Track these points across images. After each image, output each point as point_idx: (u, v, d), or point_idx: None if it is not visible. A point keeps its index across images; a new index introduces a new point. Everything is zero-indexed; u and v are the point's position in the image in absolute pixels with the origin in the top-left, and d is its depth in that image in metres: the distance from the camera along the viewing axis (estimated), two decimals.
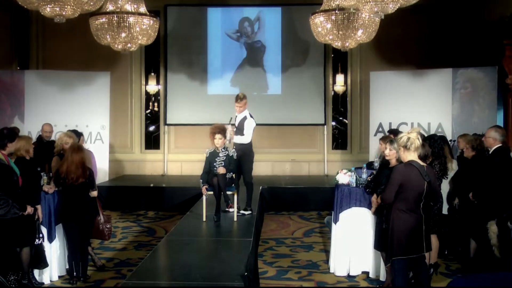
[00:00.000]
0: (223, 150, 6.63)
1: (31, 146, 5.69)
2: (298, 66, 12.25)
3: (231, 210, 6.85)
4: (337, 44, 7.60)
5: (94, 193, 5.88)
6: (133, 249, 7.25)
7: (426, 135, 6.75)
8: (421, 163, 4.70)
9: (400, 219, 4.65)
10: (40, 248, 5.54)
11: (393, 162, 5.37)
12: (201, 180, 6.64)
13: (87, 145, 9.93)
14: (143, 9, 7.68)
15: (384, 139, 6.19)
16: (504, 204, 5.46)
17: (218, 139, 6.59)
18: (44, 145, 7.64)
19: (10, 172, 5.13)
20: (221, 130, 6.68)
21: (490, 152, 6.01)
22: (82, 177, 5.63)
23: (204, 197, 6.71)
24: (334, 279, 5.92)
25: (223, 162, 6.57)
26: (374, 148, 9.93)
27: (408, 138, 4.63)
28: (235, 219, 6.73)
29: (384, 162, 5.75)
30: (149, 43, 8.09)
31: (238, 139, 7.10)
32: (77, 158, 5.63)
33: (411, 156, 4.66)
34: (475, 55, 10.85)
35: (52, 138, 8.13)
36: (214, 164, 6.57)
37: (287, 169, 12.21)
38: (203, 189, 6.56)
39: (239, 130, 7.10)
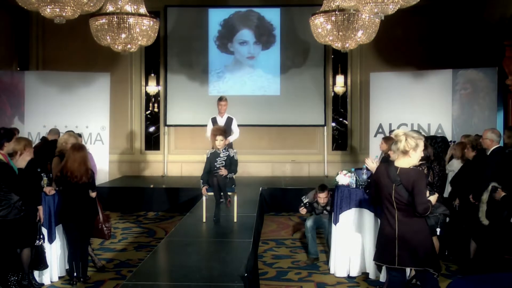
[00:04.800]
0: (224, 151, 6.64)
1: (31, 146, 5.68)
2: (298, 67, 12.24)
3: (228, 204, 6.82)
4: (337, 45, 7.60)
5: (94, 194, 5.87)
6: (133, 250, 7.24)
7: (426, 136, 6.75)
8: (399, 165, 4.04)
9: (380, 221, 4.36)
10: (40, 249, 5.52)
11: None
12: (201, 181, 6.65)
13: (86, 147, 9.94)
14: (143, 10, 7.68)
15: (387, 140, 6.20)
16: (503, 205, 5.46)
17: (220, 141, 6.60)
18: (47, 144, 7.60)
19: (10, 171, 5.13)
20: (222, 131, 6.69)
21: (488, 153, 6.01)
22: (85, 175, 5.62)
23: (204, 198, 6.72)
24: (334, 280, 5.91)
25: (223, 162, 6.58)
26: (374, 149, 9.92)
27: (417, 145, 4.01)
28: (235, 220, 6.73)
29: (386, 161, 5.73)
30: (149, 44, 8.09)
31: (233, 138, 8.29)
32: (79, 156, 5.63)
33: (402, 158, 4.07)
34: (475, 56, 10.86)
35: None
36: (215, 164, 6.58)
37: (287, 170, 12.21)
38: (203, 189, 6.57)
39: (228, 131, 7.74)
